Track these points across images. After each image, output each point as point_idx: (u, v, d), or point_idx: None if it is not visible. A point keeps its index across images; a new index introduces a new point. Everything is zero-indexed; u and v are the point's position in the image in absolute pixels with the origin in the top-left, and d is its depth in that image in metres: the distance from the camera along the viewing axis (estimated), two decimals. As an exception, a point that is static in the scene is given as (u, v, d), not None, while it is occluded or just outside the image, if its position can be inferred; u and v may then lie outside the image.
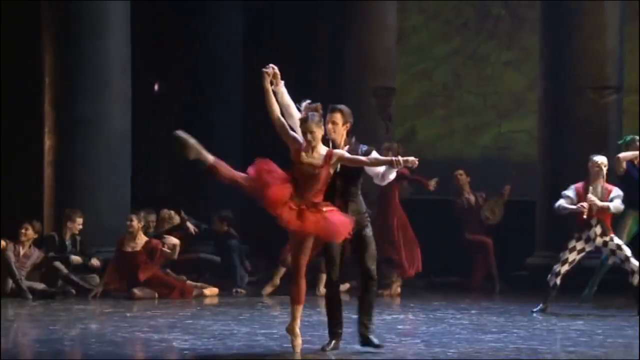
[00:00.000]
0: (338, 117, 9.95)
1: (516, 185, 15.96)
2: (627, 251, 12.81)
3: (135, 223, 14.55)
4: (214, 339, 10.94)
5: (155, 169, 17.41)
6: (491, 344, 10.67)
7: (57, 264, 14.56)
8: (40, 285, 14.51)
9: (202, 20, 17.59)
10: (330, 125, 9.94)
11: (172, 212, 15.00)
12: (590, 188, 12.86)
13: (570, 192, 12.99)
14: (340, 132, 9.94)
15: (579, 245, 12.88)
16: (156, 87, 16.00)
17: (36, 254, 14.69)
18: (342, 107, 10.01)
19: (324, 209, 9.69)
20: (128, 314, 12.88)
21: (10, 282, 14.42)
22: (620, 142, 14.07)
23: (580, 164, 14.56)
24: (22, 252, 14.58)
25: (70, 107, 15.48)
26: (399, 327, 11.94)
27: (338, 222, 9.69)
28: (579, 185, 12.96)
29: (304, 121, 9.86)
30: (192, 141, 10.07)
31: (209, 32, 17.56)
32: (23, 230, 14.58)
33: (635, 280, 12.78)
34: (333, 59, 16.50)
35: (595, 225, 12.82)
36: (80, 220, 14.76)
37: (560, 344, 10.80)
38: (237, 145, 16.86)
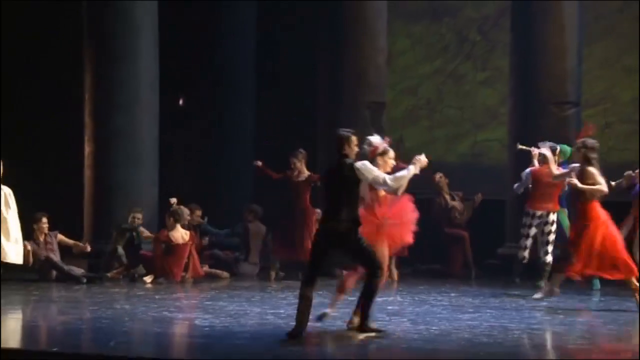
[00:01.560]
0: None
1: (490, 186, 15.99)
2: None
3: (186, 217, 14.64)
4: (230, 317, 10.99)
5: (180, 172, 17.44)
6: (468, 322, 10.72)
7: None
8: (80, 270, 14.53)
9: (219, 44, 17.63)
10: None
11: (183, 208, 14.91)
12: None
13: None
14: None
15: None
16: (181, 101, 16.04)
17: (57, 238, 14.69)
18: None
19: None
20: (157, 296, 12.95)
21: (53, 272, 14.46)
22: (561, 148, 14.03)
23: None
24: (41, 240, 14.59)
25: (107, 119, 15.52)
26: (389, 307, 11.93)
27: None
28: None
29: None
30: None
31: (224, 54, 17.60)
32: (42, 222, 14.55)
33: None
34: (331, 77, 16.50)
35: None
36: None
37: (526, 322, 10.82)
38: (252, 152, 16.90)
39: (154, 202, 15.54)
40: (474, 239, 15.64)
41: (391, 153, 10.32)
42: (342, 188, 9.76)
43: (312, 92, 16.83)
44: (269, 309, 11.70)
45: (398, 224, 10.25)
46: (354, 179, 9.77)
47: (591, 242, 11.41)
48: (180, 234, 14.52)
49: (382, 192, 10.21)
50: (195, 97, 16.98)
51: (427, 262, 15.69)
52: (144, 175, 15.54)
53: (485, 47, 18.00)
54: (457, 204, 15.91)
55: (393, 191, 9.96)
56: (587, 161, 11.66)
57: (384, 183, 9.84)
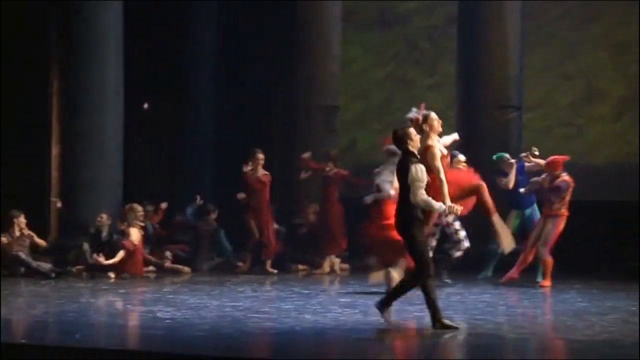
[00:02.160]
0: None
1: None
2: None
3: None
4: (191, 310, 10.95)
5: (144, 173, 17.37)
6: (415, 314, 10.70)
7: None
8: (47, 266, 14.44)
9: (181, 50, 17.56)
10: None
11: (135, 205, 14.90)
12: None
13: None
14: None
15: None
16: (145, 105, 15.97)
17: (31, 239, 14.62)
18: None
19: None
20: (120, 290, 12.90)
21: (21, 268, 14.37)
22: (494, 157, 14.09)
23: (489, 167, 14.74)
24: (16, 235, 14.50)
25: (73, 122, 15.42)
26: (342, 300, 11.95)
27: None
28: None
29: None
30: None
31: (187, 60, 17.54)
32: (20, 218, 14.49)
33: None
34: (288, 82, 16.51)
35: None
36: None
37: (470, 314, 10.88)
38: (210, 154, 16.88)
39: (119, 202, 15.47)
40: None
41: (432, 115, 9.97)
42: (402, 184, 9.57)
43: (270, 96, 16.85)
44: (228, 302, 11.67)
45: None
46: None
47: None
48: (138, 234, 14.50)
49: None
50: (159, 101, 16.92)
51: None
52: (109, 176, 15.46)
53: (434, 54, 18.09)
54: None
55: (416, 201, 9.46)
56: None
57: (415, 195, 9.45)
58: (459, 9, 16.31)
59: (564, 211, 12.98)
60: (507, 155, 13.83)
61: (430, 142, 10.11)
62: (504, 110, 15.79)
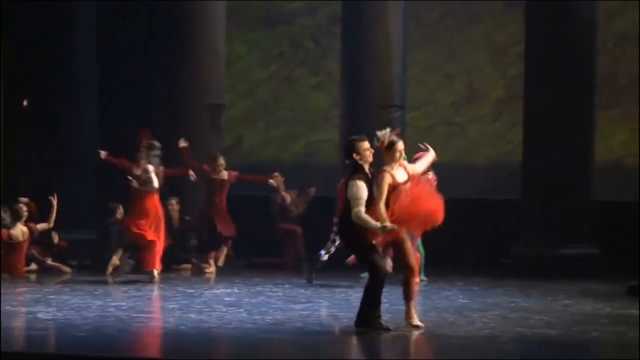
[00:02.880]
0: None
1: (322, 184, 16.12)
2: None
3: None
4: (73, 310, 10.81)
5: (25, 171, 16.98)
6: (300, 312, 10.78)
7: None
8: None
9: (61, 48, 17.20)
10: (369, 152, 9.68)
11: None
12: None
13: None
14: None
15: None
16: (25, 102, 15.62)
17: None
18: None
19: None
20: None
21: None
22: None
23: (373, 165, 14.79)
24: None
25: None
26: (226, 298, 11.92)
27: None
28: None
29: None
30: None
31: (66, 58, 17.18)
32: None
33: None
34: (172, 80, 16.34)
35: None
36: None
37: (354, 312, 10.85)
38: (94, 153, 16.61)
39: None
40: (307, 234, 15.72)
41: (399, 146, 9.78)
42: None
43: (154, 94, 16.67)
44: (111, 302, 11.52)
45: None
46: None
47: None
48: (21, 231, 14.20)
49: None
50: (39, 98, 16.57)
51: (262, 256, 15.70)
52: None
53: (318, 53, 18.15)
54: (292, 199, 15.97)
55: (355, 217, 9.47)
56: None
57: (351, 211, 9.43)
58: (342, 9, 16.39)
59: None
60: None
61: (387, 167, 9.91)
62: (388, 110, 15.91)
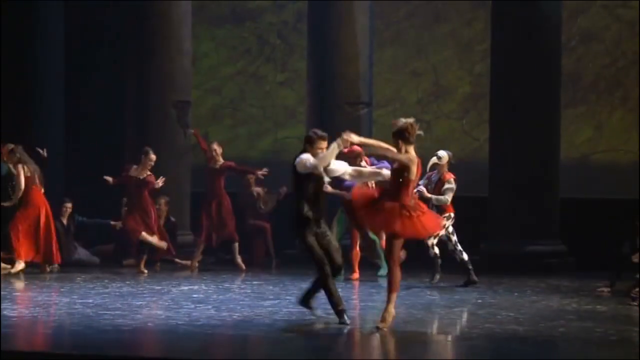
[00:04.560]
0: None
1: (290, 181, 16.03)
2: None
3: None
4: (39, 307, 10.71)
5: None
6: (269, 309, 10.75)
7: None
8: None
9: (27, 46, 17.02)
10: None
11: None
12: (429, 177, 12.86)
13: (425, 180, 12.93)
14: None
15: None
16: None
17: None
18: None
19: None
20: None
21: None
22: None
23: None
24: None
25: None
26: (194, 295, 11.85)
27: None
28: (431, 173, 12.94)
29: None
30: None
31: (33, 56, 16.99)
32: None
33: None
34: (139, 78, 16.21)
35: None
36: None
37: (321, 309, 10.86)
38: (61, 153, 16.46)
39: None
40: (275, 230, 15.66)
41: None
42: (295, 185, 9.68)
43: (121, 93, 16.56)
44: (77, 298, 11.41)
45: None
46: (300, 175, 9.68)
47: None
48: None
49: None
50: (5, 97, 16.39)
51: (230, 252, 15.63)
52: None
53: (285, 51, 18.10)
54: (261, 195, 15.91)
55: (316, 169, 9.59)
56: None
57: (312, 166, 9.54)
58: (308, 7, 16.34)
59: None
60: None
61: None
62: (355, 107, 15.89)
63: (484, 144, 15.96)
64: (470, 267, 12.75)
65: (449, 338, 9.40)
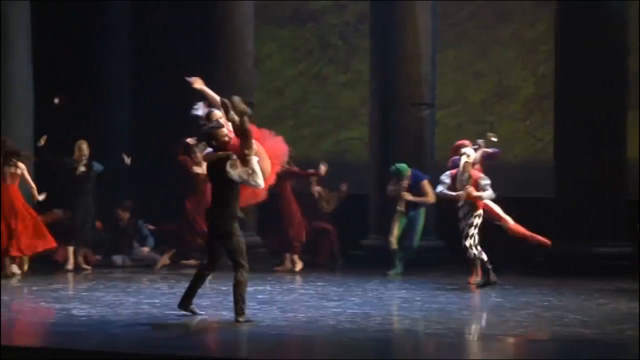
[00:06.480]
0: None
1: (352, 181, 16.11)
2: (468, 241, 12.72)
3: None
4: (107, 307, 10.81)
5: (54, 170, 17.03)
6: (333, 310, 10.73)
7: None
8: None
9: (94, 44, 17.26)
10: None
11: None
12: (459, 174, 12.91)
13: (446, 177, 12.98)
14: None
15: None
16: (56, 100, 15.64)
17: None
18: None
19: None
20: (34, 288, 12.63)
21: None
22: (392, 170, 14.31)
23: (403, 163, 14.77)
24: None
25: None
26: (259, 296, 11.85)
27: None
28: (453, 171, 12.99)
29: None
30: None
31: (99, 55, 17.24)
32: None
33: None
34: (205, 79, 16.32)
35: (463, 206, 12.77)
36: None
37: (387, 310, 10.90)
38: (125, 150, 16.63)
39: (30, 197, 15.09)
40: (339, 232, 15.69)
41: (215, 113, 10.15)
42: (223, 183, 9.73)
43: (186, 93, 16.66)
44: (144, 298, 11.52)
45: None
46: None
47: None
48: None
49: None
50: (71, 95, 16.61)
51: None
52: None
53: (347, 52, 18.12)
54: (322, 195, 15.95)
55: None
56: None
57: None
58: (370, 8, 16.34)
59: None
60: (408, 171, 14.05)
61: None
62: (417, 108, 15.87)
63: (548, 145, 15.84)
64: (490, 266, 12.64)
65: (514, 340, 9.35)
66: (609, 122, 14.58)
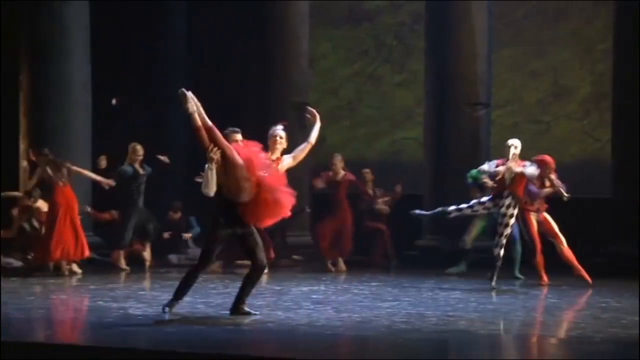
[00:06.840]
0: None
1: (407, 181, 16.08)
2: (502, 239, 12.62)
3: None
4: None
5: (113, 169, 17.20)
6: (387, 310, 10.72)
7: None
8: (18, 263, 14.30)
9: (151, 45, 17.43)
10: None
11: None
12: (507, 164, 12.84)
13: (492, 162, 12.93)
14: None
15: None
16: (114, 101, 15.80)
17: None
18: None
19: None
20: (91, 287, 12.76)
21: None
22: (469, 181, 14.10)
23: (458, 163, 14.75)
24: None
25: (41, 118, 15.28)
26: (313, 296, 11.90)
27: None
28: (500, 160, 12.91)
29: None
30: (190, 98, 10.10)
31: (157, 55, 17.40)
32: None
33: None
34: (261, 80, 16.43)
35: (507, 197, 12.68)
36: None
37: (442, 310, 10.86)
38: (183, 151, 16.76)
39: (87, 200, 15.29)
40: (393, 232, 15.67)
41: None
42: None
43: (242, 93, 16.77)
44: (199, 298, 11.57)
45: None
46: None
47: None
48: None
49: None
50: (129, 96, 16.79)
51: (350, 254, 15.69)
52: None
53: (402, 52, 18.09)
54: (377, 196, 15.94)
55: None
56: None
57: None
58: (425, 7, 16.31)
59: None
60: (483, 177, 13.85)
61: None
62: (473, 107, 15.81)
63: (605, 145, 15.69)
64: (499, 264, 12.52)
65: (570, 342, 9.27)
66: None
